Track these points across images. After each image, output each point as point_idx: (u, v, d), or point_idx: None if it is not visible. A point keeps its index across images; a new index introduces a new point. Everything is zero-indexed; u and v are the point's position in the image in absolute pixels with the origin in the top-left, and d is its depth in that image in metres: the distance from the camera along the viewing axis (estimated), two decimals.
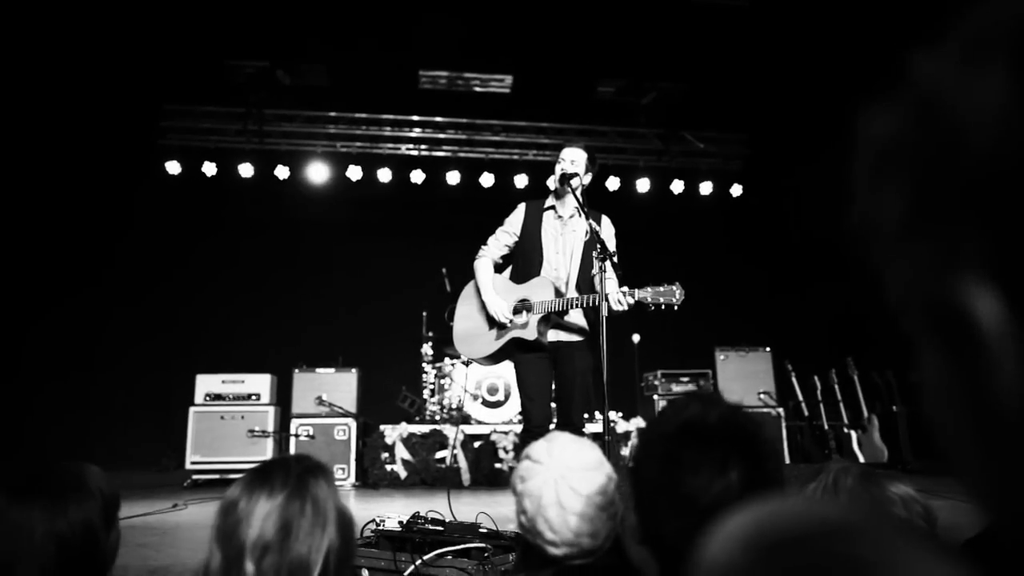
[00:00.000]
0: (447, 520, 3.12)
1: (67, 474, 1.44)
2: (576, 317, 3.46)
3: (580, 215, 3.47)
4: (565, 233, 3.54)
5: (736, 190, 9.31)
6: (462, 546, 2.80)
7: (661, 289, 3.13)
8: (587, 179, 3.54)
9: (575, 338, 3.46)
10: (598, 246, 3.03)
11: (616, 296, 3.11)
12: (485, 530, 3.01)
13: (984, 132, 0.28)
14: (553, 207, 3.58)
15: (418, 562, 2.72)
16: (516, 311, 3.45)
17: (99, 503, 1.43)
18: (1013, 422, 0.28)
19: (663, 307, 3.13)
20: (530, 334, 3.36)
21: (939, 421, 0.31)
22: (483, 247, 3.70)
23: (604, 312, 2.97)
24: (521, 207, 3.68)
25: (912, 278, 0.31)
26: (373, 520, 3.13)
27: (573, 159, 3.48)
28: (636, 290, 3.16)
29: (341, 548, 1.19)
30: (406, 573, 2.70)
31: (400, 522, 3.04)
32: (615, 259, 3.11)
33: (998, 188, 0.27)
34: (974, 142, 0.28)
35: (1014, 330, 0.27)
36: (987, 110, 0.28)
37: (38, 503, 1.35)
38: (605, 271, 3.01)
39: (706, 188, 9.26)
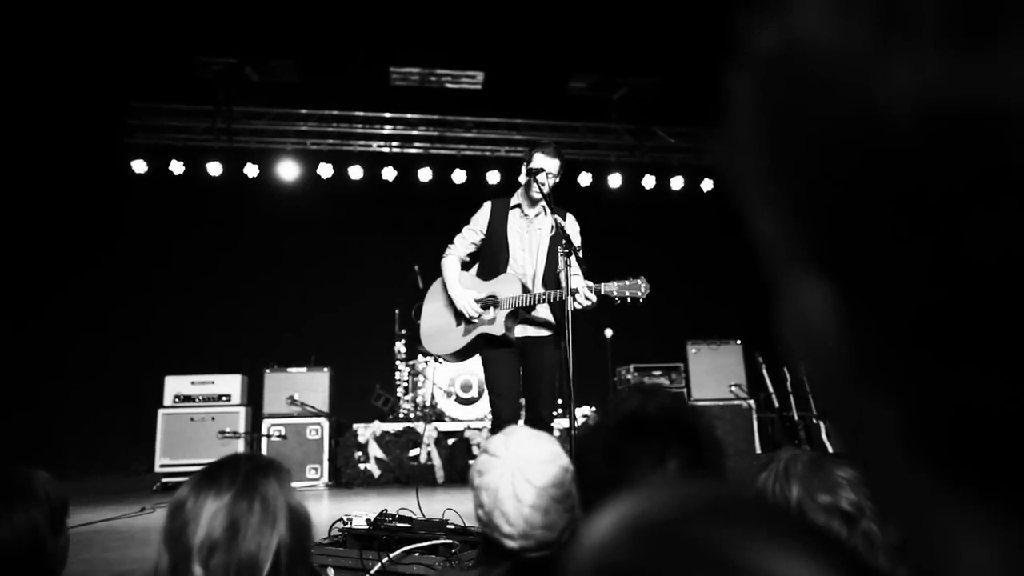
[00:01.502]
0: (415, 517, 3.11)
1: (12, 479, 1.41)
2: (543, 312, 3.47)
3: (546, 213, 3.49)
4: (531, 231, 3.55)
5: (707, 185, 9.38)
6: (429, 543, 2.80)
7: (627, 283, 3.15)
8: (550, 183, 3.54)
9: (542, 333, 3.47)
10: (563, 241, 3.03)
11: (583, 292, 3.12)
12: (453, 526, 3.01)
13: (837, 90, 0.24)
14: (519, 205, 3.59)
15: (385, 560, 2.71)
16: (484, 307, 3.46)
17: (46, 508, 1.40)
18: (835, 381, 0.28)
19: (629, 300, 3.15)
20: (498, 329, 3.37)
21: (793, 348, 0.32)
22: (450, 246, 3.71)
23: (569, 307, 2.97)
24: (487, 205, 3.69)
25: (760, 235, 0.30)
26: (340, 519, 3.11)
27: (547, 168, 3.45)
28: (602, 284, 3.18)
29: (293, 545, 1.17)
30: (373, 571, 2.69)
31: (368, 520, 3.03)
32: (580, 254, 3.12)
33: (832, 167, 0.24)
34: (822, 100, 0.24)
35: (840, 320, 0.26)
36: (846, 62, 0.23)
37: None
38: (571, 266, 3.02)
39: (677, 183, 9.32)
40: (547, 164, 3.45)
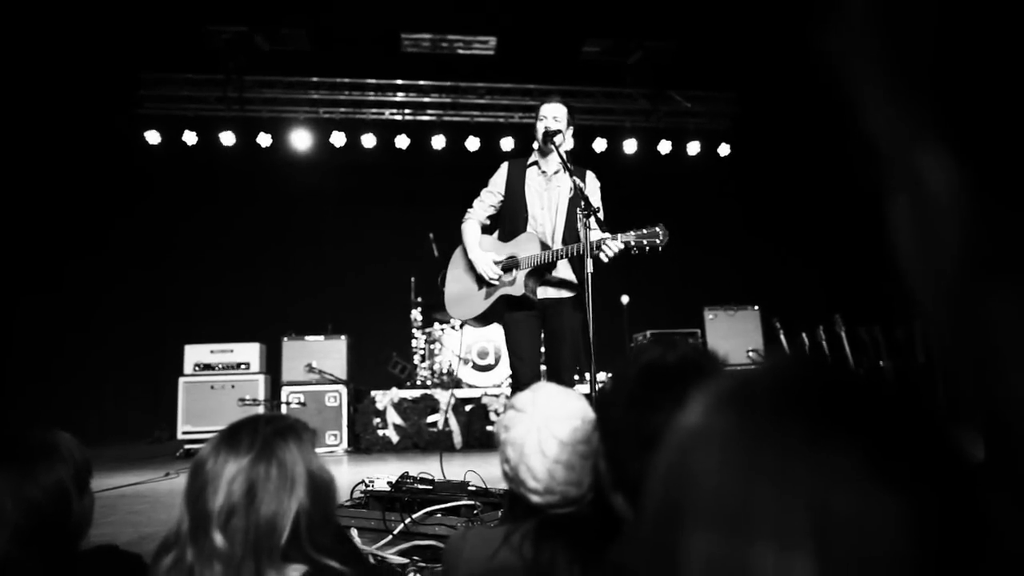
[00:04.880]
0: (436, 479, 3.12)
1: (37, 440, 1.41)
2: (564, 272, 3.42)
3: (564, 172, 3.43)
4: (550, 189, 3.50)
5: (724, 149, 9.24)
6: (452, 504, 2.81)
7: (644, 231, 3.09)
8: (569, 133, 3.48)
9: (564, 294, 3.42)
10: (582, 203, 2.98)
11: (603, 245, 3.06)
12: (474, 488, 3.02)
13: None
14: (536, 163, 3.54)
15: (407, 520, 2.73)
16: (504, 268, 3.43)
17: (71, 467, 1.40)
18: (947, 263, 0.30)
19: (647, 249, 3.07)
20: (517, 290, 3.34)
21: (901, 250, 0.32)
22: (469, 210, 3.68)
23: (589, 268, 2.93)
24: (504, 166, 3.65)
25: (887, 134, 0.29)
26: (362, 481, 3.13)
27: (555, 115, 3.42)
28: (620, 234, 3.11)
29: (313, 511, 1.16)
30: (396, 532, 2.71)
31: (389, 482, 3.05)
32: (599, 215, 3.07)
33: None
34: None
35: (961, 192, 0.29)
36: None
37: (7, 469, 1.32)
38: (590, 227, 2.98)
39: (694, 148, 9.19)
40: (552, 111, 3.40)
